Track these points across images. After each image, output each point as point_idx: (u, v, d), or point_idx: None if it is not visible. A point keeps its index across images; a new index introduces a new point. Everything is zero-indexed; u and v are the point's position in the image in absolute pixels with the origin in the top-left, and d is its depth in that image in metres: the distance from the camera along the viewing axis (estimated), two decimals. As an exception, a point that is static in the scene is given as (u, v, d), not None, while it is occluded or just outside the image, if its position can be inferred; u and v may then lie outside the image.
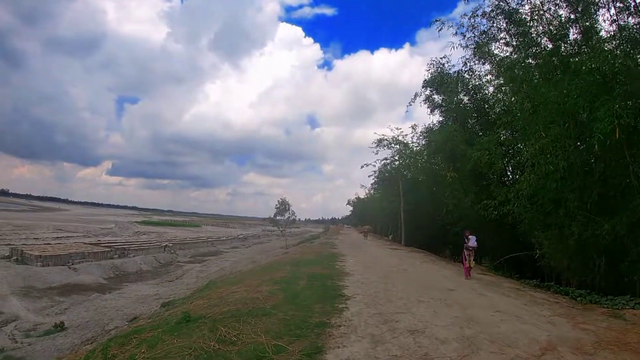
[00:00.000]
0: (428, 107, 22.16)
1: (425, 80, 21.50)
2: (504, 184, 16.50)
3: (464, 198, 18.93)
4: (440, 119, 22.38)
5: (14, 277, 20.84)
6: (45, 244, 32.57)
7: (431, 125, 23.64)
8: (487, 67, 17.76)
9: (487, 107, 19.43)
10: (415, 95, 22.47)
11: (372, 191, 54.78)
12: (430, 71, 21.23)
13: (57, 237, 41.32)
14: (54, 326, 13.77)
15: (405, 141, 32.30)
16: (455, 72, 20.04)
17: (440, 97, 21.48)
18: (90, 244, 34.76)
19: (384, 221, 55.52)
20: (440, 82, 20.71)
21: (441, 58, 21.09)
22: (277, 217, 40.50)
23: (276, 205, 39.76)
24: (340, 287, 9.41)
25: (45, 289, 20.41)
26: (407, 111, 24.79)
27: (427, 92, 21.84)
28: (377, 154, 33.92)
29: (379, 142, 32.89)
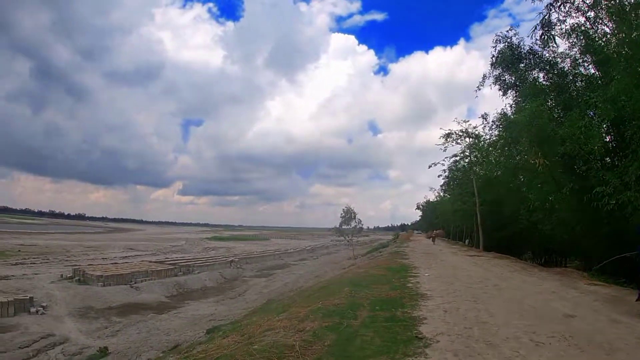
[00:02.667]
0: (499, 89, 19.86)
1: (493, 57, 19.24)
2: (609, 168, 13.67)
3: (554, 189, 15.95)
4: (515, 100, 19.85)
5: (72, 298, 20.70)
6: (112, 263, 32.96)
7: (504, 110, 21.06)
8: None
9: (567, 83, 17.00)
10: (484, 77, 20.45)
11: (442, 193, 51.70)
12: (496, 48, 19.07)
13: (125, 257, 42.25)
14: (99, 350, 13.12)
15: (476, 132, 29.04)
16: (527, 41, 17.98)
17: (512, 77, 19.17)
18: (156, 262, 34.84)
19: (456, 224, 51.53)
20: (511, 59, 18.52)
21: (507, 31, 19.00)
22: (343, 227, 38.81)
23: (341, 214, 38.17)
24: (415, 321, 6.60)
25: (103, 309, 20.10)
26: (476, 96, 22.73)
27: (496, 72, 19.63)
28: (445, 150, 30.82)
29: (447, 136, 29.80)
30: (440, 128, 31.13)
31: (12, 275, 24.89)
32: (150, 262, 34.78)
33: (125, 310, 20.35)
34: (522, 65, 18.39)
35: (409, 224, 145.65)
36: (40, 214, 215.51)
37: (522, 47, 18.27)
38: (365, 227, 44.29)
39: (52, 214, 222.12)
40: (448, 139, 29.89)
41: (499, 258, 21.40)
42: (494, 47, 19.15)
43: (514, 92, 19.53)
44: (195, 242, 74.25)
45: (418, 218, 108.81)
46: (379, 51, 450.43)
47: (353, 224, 38.24)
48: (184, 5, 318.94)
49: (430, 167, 33.52)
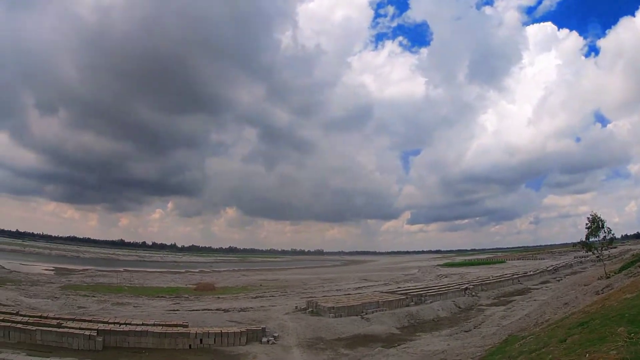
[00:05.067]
0: None
1: None
2: None
3: None
4: None
5: (304, 329, 21.50)
6: (344, 294, 34.01)
7: None
8: None
9: None
10: None
11: None
12: None
13: (358, 287, 43.56)
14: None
15: None
16: None
17: None
18: (387, 292, 34.76)
19: None
20: None
21: None
22: (590, 239, 33.59)
23: (586, 224, 33.23)
24: None
25: (332, 340, 20.36)
26: None
27: None
28: None
29: None
30: None
31: (251, 308, 28.11)
32: (382, 292, 34.93)
33: (353, 342, 20.10)
34: None
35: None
36: (283, 252, 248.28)
37: None
38: (614, 236, 35.56)
39: (294, 252, 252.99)
40: None
41: None
42: None
43: None
44: (427, 269, 73.14)
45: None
46: (582, 31, 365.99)
47: (602, 234, 30.83)
48: (376, 47, 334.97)
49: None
